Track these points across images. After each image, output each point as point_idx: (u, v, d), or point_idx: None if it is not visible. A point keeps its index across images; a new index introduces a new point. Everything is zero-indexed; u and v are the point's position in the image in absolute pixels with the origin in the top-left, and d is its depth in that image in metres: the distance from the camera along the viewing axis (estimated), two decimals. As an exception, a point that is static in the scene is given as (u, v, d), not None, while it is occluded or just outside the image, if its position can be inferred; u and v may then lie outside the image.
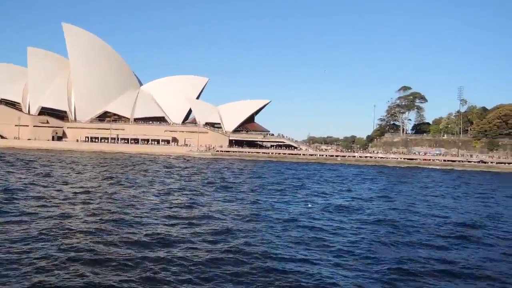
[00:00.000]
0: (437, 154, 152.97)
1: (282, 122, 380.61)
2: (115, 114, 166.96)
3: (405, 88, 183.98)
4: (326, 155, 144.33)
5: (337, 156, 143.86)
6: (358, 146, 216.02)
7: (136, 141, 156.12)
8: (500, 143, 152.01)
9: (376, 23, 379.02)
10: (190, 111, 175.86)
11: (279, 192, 43.10)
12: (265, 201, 35.49)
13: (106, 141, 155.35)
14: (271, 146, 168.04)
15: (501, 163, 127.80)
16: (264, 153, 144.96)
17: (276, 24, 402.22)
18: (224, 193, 40.46)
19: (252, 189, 45.08)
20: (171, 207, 29.63)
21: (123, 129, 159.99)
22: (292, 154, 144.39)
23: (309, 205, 33.65)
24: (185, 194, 38.24)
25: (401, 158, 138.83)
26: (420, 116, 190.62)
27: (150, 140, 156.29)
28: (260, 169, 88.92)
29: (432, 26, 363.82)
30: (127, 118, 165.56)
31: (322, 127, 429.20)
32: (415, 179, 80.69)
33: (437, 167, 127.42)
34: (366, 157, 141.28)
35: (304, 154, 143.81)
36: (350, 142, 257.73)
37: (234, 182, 52.39)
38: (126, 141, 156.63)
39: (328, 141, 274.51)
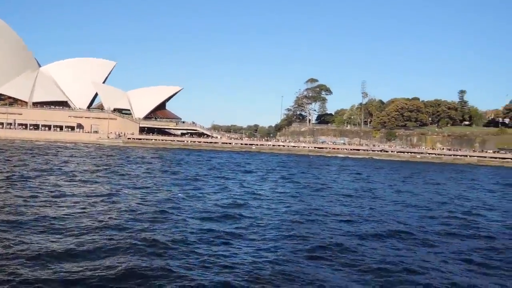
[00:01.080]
0: (341, 143, 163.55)
1: (189, 110, 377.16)
2: (10, 97, 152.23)
3: (312, 80, 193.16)
4: (242, 143, 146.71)
5: (251, 144, 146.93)
6: (260, 134, 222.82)
7: (36, 127, 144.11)
8: (397, 133, 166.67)
9: (288, 19, 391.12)
10: (95, 96, 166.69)
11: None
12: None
13: (1, 126, 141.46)
14: (182, 134, 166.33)
15: (401, 152, 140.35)
16: (179, 141, 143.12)
17: (189, 11, 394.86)
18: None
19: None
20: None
21: (21, 114, 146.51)
22: (207, 142, 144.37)
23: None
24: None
25: (312, 147, 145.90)
26: (322, 107, 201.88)
27: (52, 126, 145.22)
28: (187, 157, 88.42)
29: (337, 23, 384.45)
30: (24, 101, 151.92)
31: (226, 115, 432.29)
32: (332, 166, 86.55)
33: (344, 155, 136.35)
34: (279, 145, 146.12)
35: (219, 143, 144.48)
36: (253, 131, 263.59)
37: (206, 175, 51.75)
38: (24, 126, 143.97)
39: (232, 129, 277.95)
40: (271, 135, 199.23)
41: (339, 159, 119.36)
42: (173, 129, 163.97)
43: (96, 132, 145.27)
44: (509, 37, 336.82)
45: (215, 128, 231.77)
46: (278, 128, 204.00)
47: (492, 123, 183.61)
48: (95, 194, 30.59)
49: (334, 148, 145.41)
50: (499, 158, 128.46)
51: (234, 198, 32.38)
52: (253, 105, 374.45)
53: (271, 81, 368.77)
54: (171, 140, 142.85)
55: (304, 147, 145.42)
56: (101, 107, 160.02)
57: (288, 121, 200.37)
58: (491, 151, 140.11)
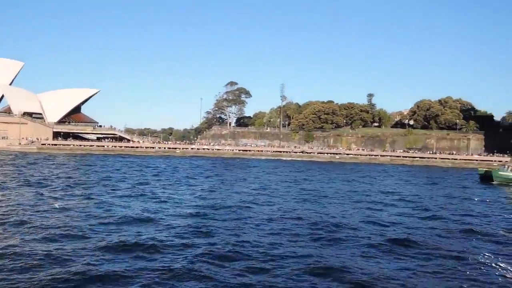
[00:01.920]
0: (262, 145, 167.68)
1: (101, 113, 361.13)
2: None
3: (232, 84, 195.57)
4: (165, 147, 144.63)
5: (175, 148, 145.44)
6: (175, 138, 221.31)
7: None
8: (314, 135, 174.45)
9: (208, 20, 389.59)
10: (1, 99, 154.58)
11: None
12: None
13: None
14: (98, 138, 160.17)
15: (321, 153, 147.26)
16: (100, 146, 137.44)
17: (104, 9, 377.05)
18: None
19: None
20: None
21: None
22: (129, 147, 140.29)
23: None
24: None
25: (236, 149, 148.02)
26: (240, 110, 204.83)
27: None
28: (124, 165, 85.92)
29: (257, 26, 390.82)
30: None
31: (139, 118, 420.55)
32: (256, 168, 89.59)
33: (267, 158, 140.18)
34: (204, 149, 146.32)
35: (144, 147, 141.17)
36: (168, 134, 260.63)
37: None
38: None
39: (145, 132, 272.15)
40: (191, 138, 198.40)
41: (263, 161, 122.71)
42: (90, 133, 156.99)
43: (4, 138, 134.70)
44: (415, 42, 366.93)
45: (128, 131, 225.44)
46: (199, 131, 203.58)
47: (399, 124, 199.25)
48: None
49: (258, 151, 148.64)
50: (409, 157, 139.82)
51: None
52: (167, 108, 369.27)
53: (187, 83, 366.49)
54: (90, 146, 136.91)
55: (228, 150, 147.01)
56: (8, 111, 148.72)
57: (208, 124, 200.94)
58: (401, 150, 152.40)
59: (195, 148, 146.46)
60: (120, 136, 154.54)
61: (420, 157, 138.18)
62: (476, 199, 47.71)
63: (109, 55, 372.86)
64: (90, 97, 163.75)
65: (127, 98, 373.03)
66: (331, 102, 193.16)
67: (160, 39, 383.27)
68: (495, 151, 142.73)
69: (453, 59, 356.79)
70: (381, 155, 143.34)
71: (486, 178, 72.59)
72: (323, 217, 30.94)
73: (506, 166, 73.32)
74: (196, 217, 29.44)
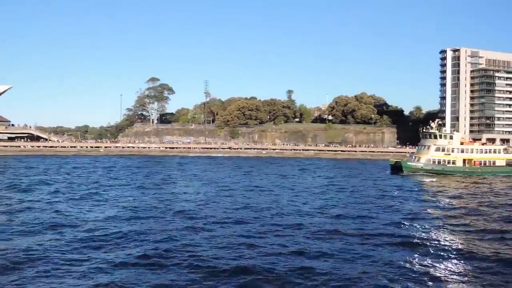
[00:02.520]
0: (188, 142, 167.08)
1: (9, 111, 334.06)
2: None
3: (154, 79, 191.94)
4: (88, 146, 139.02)
5: (98, 147, 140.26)
6: (92, 136, 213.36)
7: None
8: (239, 131, 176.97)
9: (129, 17, 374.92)
10: None
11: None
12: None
13: None
14: (10, 138, 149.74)
15: (248, 148, 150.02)
16: (14, 146, 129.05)
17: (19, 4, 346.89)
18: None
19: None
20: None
21: None
22: (48, 147, 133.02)
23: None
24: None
25: (163, 147, 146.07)
26: (162, 107, 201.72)
27: None
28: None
29: (180, 22, 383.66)
30: None
31: (51, 116, 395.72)
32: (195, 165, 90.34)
33: (196, 155, 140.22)
34: (129, 147, 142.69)
35: (65, 146, 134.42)
36: (83, 132, 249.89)
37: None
38: None
39: (58, 130, 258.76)
40: (108, 136, 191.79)
41: (192, 158, 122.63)
42: (3, 133, 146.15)
43: None
44: (331, 40, 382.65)
45: (39, 130, 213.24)
46: (119, 128, 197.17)
47: (319, 119, 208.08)
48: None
49: (186, 148, 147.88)
50: (332, 150, 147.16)
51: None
52: (82, 105, 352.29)
53: (104, 79, 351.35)
54: (4, 146, 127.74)
55: (155, 147, 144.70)
56: None
57: (129, 121, 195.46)
58: (323, 144, 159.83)
59: (119, 147, 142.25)
60: (37, 135, 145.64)
61: (341, 151, 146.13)
62: (385, 187, 53.75)
63: (19, 49, 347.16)
64: (1, 94, 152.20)
65: (38, 94, 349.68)
66: (254, 98, 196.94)
67: (75, 32, 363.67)
68: (408, 143, 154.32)
69: (366, 57, 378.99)
70: (306, 150, 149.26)
71: (396, 168, 78.79)
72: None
73: (413, 157, 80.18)
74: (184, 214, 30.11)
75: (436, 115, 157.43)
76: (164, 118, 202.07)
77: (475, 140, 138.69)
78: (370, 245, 23.40)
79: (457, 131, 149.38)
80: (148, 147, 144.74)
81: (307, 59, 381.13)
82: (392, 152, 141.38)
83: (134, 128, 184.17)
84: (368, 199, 42.71)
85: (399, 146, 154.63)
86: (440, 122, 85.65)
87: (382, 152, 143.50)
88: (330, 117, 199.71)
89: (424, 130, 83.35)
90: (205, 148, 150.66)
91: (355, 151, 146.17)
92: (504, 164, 79.36)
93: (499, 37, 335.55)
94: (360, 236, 25.54)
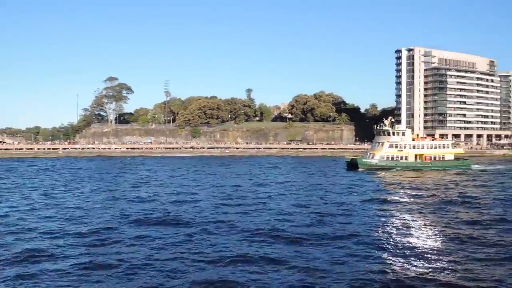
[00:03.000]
0: (148, 142, 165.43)
1: None
2: None
3: (112, 79, 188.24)
4: (45, 148, 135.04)
5: (56, 149, 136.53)
6: (43, 137, 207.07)
7: None
8: (201, 130, 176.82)
9: (85, 11, 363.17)
10: None
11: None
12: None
13: None
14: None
15: (211, 148, 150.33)
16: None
17: None
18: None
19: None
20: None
21: None
22: (3, 149, 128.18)
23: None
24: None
25: (125, 148, 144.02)
26: (119, 106, 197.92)
27: None
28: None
29: (139, 19, 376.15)
30: None
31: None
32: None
33: (160, 155, 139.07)
34: (89, 148, 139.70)
35: (22, 149, 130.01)
36: (34, 133, 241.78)
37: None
38: None
39: (8, 132, 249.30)
40: (61, 137, 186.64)
41: (156, 159, 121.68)
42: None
43: None
44: (288, 39, 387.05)
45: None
46: (76, 129, 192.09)
47: (279, 117, 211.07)
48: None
49: (148, 148, 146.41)
50: (294, 148, 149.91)
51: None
52: (33, 105, 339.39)
53: (57, 79, 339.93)
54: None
55: (116, 148, 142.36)
56: None
57: (86, 121, 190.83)
58: (284, 142, 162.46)
59: (79, 148, 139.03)
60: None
61: (304, 148, 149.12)
62: (341, 184, 56.61)
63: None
64: None
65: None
66: (214, 97, 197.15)
67: (23, 26, 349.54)
68: (366, 139, 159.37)
69: (324, 56, 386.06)
70: (268, 148, 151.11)
71: (352, 165, 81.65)
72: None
73: (368, 154, 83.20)
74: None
75: (391, 112, 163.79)
76: (122, 118, 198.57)
77: (428, 136, 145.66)
78: (328, 243, 24.59)
79: (412, 127, 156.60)
80: (109, 148, 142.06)
81: (266, 58, 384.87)
82: (352, 148, 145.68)
83: (92, 129, 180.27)
84: (326, 195, 44.96)
85: (358, 143, 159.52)
86: (393, 120, 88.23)
87: (342, 149, 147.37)
88: (290, 116, 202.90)
89: (378, 127, 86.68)
90: (168, 148, 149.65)
91: (317, 149, 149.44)
92: (452, 158, 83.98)
93: (450, 37, 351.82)
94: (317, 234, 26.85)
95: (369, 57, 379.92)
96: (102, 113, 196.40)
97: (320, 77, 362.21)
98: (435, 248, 23.22)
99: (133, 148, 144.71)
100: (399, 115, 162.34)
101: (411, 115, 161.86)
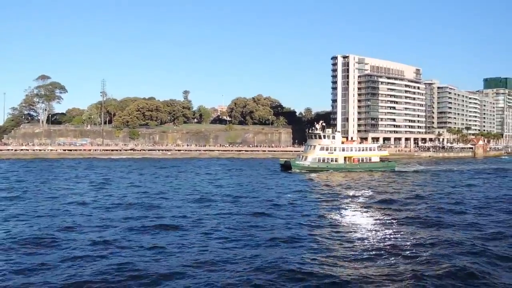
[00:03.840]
0: (84, 144, 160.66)
1: None
2: None
3: (44, 77, 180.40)
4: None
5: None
6: None
7: None
8: (140, 132, 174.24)
9: (16, 12, 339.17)
10: None
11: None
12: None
13: None
14: None
15: (152, 150, 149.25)
16: None
17: None
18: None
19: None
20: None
21: None
22: None
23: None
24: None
25: (61, 149, 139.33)
26: (50, 106, 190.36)
27: None
28: None
29: (71, 16, 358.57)
30: None
31: None
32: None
33: (98, 156, 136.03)
34: (22, 150, 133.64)
35: None
36: None
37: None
38: None
39: None
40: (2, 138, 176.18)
41: (93, 161, 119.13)
42: None
43: None
44: (210, 43, 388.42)
45: None
46: (3, 130, 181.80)
47: (217, 120, 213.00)
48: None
49: (85, 150, 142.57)
50: (236, 150, 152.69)
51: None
52: None
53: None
54: None
55: (52, 150, 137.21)
56: None
57: (15, 121, 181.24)
58: (226, 144, 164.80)
59: (11, 150, 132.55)
60: None
61: (245, 150, 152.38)
62: (271, 184, 60.73)
63: None
64: None
65: None
66: (152, 98, 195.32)
67: None
68: (303, 142, 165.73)
69: (262, 60, 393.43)
70: (210, 150, 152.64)
71: (286, 167, 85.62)
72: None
73: (301, 156, 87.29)
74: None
75: (325, 116, 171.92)
76: (54, 119, 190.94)
77: (362, 139, 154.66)
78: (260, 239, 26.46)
79: (347, 130, 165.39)
80: (45, 150, 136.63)
81: (203, 60, 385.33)
82: (292, 151, 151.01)
83: (22, 129, 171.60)
84: (259, 195, 47.92)
85: (296, 146, 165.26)
86: (324, 124, 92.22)
87: (282, 151, 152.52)
88: (228, 118, 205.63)
89: (310, 131, 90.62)
90: (107, 150, 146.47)
91: (258, 151, 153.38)
92: (378, 160, 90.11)
93: (381, 46, 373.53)
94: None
95: (305, 62, 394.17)
96: (32, 113, 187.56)
97: (258, 81, 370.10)
98: (355, 241, 26.15)
99: (70, 150, 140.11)
100: (335, 119, 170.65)
101: (346, 119, 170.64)
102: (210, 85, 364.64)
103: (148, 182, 61.76)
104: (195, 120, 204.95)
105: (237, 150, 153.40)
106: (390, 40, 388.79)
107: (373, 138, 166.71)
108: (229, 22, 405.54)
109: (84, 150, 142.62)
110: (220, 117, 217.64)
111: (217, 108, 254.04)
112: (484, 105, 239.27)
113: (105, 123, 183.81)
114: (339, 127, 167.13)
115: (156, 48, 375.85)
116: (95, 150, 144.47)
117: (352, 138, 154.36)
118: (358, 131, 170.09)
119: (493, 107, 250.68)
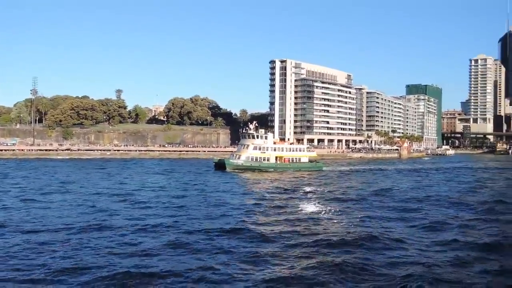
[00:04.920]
0: (13, 144, 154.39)
1: None
2: None
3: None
4: None
5: None
6: None
7: None
8: (74, 132, 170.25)
9: None
10: None
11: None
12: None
13: None
14: None
15: (90, 150, 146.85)
16: None
17: None
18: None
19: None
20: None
21: None
22: None
23: None
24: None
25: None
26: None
27: None
28: None
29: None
30: None
31: None
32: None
33: (33, 157, 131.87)
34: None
35: None
36: None
37: None
38: None
39: None
40: None
41: (27, 162, 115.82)
42: None
43: None
44: (161, 42, 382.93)
45: None
46: None
47: (154, 120, 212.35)
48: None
49: (19, 150, 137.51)
50: (177, 151, 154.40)
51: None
52: None
53: None
54: None
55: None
56: None
57: None
58: (165, 145, 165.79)
59: None
60: None
61: (186, 151, 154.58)
62: (210, 182, 63.68)
63: None
64: None
65: None
66: (86, 97, 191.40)
67: None
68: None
69: (200, 61, 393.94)
70: (151, 150, 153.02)
71: (220, 166, 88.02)
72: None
73: (235, 155, 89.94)
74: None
75: (262, 117, 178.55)
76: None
77: (298, 140, 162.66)
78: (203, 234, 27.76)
79: (284, 132, 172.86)
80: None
81: (137, 59, 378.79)
82: (232, 151, 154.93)
83: None
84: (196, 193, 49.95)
85: (235, 146, 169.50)
86: (257, 124, 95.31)
87: (223, 151, 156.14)
88: (164, 118, 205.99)
89: (243, 131, 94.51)
90: (41, 150, 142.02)
91: (199, 151, 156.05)
92: (307, 160, 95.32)
93: (316, 52, 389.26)
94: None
95: (243, 65, 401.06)
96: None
97: (195, 82, 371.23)
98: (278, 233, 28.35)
99: (1, 150, 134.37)
100: (273, 120, 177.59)
101: (283, 121, 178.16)
102: (144, 85, 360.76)
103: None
104: (131, 120, 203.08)
105: (179, 151, 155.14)
106: (324, 46, 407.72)
107: (308, 140, 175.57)
108: (165, 22, 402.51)
109: (18, 150, 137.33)
110: (157, 117, 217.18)
111: (151, 108, 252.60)
112: (407, 110, 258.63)
113: (35, 122, 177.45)
114: (276, 129, 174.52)
115: (89, 46, 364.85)
116: (29, 150, 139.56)
117: (288, 139, 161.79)
118: (295, 132, 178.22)
119: (415, 112, 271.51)
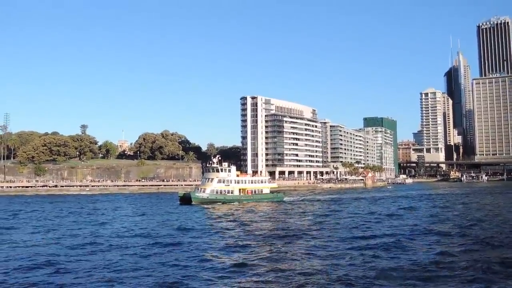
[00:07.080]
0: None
1: None
2: None
3: None
4: None
5: None
6: None
7: None
8: (46, 168, 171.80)
9: None
10: None
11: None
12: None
13: None
14: None
15: (69, 186, 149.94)
16: None
17: None
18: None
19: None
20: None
21: None
22: None
23: None
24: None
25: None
26: None
27: None
28: None
29: None
30: None
31: None
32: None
33: (9, 194, 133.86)
34: None
35: None
36: None
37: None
38: None
39: None
40: None
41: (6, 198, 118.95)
42: None
43: None
44: (121, 77, 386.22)
45: None
46: None
47: (123, 155, 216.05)
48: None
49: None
50: (156, 185, 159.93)
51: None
52: None
53: None
54: None
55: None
56: None
57: None
58: (139, 180, 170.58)
59: None
60: None
61: (164, 185, 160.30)
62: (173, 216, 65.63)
63: None
64: None
65: None
66: (56, 133, 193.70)
67: None
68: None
69: (165, 97, 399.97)
70: (130, 185, 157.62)
71: (185, 199, 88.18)
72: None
73: (200, 188, 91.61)
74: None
75: (232, 151, 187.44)
76: None
77: (270, 173, 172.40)
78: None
79: (257, 165, 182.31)
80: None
81: (102, 95, 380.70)
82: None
83: None
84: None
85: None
86: (220, 158, 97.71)
87: (198, 185, 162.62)
88: (132, 153, 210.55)
89: (207, 165, 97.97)
90: (18, 186, 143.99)
91: (177, 185, 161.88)
92: (269, 191, 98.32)
93: (283, 88, 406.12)
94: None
95: (212, 100, 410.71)
96: None
97: (162, 117, 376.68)
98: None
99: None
100: (246, 154, 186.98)
101: (255, 155, 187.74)
102: (109, 120, 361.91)
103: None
104: (101, 155, 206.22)
105: (157, 185, 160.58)
106: (290, 83, 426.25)
107: (279, 172, 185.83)
108: (133, 56, 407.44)
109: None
110: (127, 152, 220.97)
111: (116, 144, 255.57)
112: (367, 142, 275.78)
113: (3, 158, 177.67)
114: (249, 162, 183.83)
115: (53, 81, 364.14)
116: (8, 187, 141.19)
117: (261, 172, 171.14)
118: (267, 165, 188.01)
119: (374, 143, 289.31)
